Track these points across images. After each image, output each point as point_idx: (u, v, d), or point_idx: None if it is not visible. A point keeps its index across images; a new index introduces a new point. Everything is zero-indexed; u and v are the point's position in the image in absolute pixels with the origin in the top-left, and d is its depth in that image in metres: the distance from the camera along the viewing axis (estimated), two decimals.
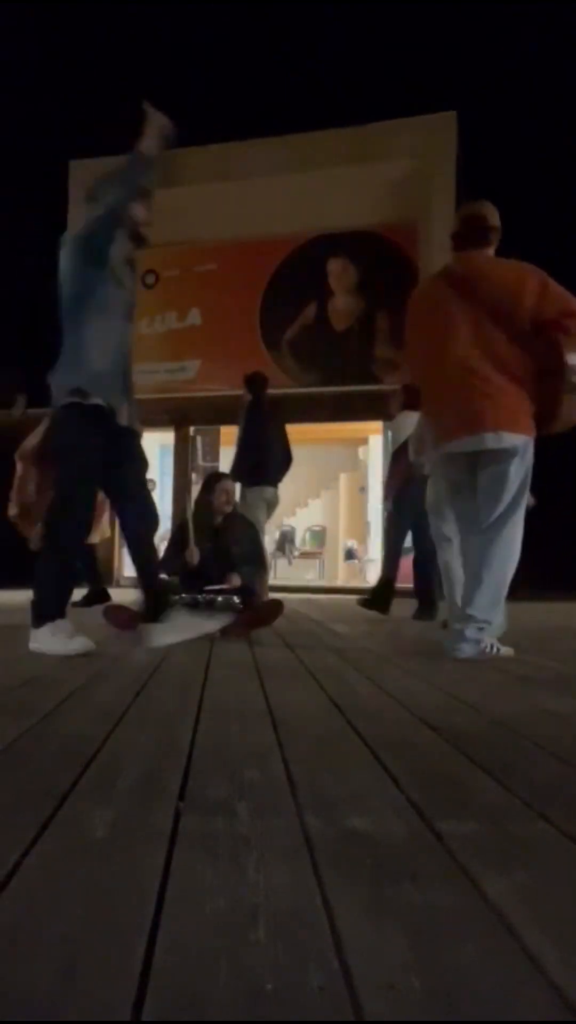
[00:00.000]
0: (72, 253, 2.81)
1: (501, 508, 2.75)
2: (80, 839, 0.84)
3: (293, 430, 6.30)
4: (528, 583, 3.82)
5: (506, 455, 2.72)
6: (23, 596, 3.09)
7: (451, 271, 2.91)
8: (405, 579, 10.73)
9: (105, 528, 5.61)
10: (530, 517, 2.96)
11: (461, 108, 10.89)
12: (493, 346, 2.72)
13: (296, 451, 5.99)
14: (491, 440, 2.71)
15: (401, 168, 10.83)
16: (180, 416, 11.37)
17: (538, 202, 11.49)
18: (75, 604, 4.90)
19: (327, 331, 11.57)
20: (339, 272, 11.54)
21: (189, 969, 0.56)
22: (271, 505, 5.79)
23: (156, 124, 2.73)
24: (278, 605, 3.92)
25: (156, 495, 12.43)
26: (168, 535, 4.44)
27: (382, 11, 13.49)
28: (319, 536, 14.11)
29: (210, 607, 3.50)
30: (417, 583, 5.33)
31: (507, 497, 2.74)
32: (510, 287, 2.70)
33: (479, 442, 2.73)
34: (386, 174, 10.85)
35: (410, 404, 5.58)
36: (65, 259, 2.83)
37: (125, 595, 5.40)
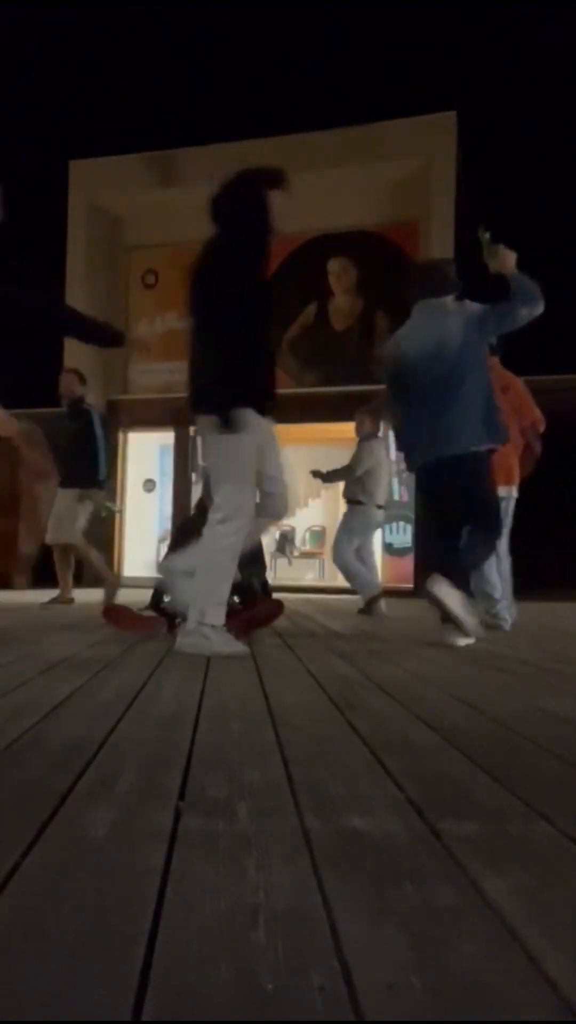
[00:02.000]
0: (470, 326, 3.29)
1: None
2: (80, 839, 0.83)
3: (293, 430, 6.28)
4: (527, 584, 3.85)
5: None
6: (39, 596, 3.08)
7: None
8: (402, 579, 10.74)
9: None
10: (531, 521, 3.77)
11: (461, 108, 10.89)
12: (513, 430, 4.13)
13: (296, 451, 6.02)
14: (513, 490, 4.34)
15: (401, 168, 10.83)
16: (180, 416, 11.37)
17: (538, 202, 11.49)
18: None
19: (327, 331, 11.56)
20: (339, 272, 11.53)
21: (189, 969, 0.56)
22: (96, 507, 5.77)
23: (509, 262, 3.22)
24: (278, 605, 3.92)
25: (156, 496, 12.45)
26: (167, 535, 4.42)
27: (382, 11, 13.50)
28: (319, 536, 14.09)
29: None
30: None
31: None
32: (523, 397, 4.36)
33: (508, 491, 4.21)
34: (386, 174, 10.85)
35: None
36: (463, 326, 3.29)
37: (125, 595, 5.40)
